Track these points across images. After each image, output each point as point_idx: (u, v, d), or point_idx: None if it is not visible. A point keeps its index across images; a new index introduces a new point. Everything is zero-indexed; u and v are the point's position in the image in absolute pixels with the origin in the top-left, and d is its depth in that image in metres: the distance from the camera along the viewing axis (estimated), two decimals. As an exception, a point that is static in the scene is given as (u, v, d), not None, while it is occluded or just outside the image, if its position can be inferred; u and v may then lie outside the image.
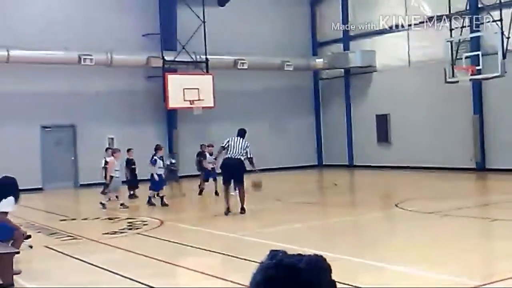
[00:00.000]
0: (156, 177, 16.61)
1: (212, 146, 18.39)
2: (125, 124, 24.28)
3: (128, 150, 18.86)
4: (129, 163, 18.59)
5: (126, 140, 23.27)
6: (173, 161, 20.79)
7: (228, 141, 14.46)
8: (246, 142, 14.41)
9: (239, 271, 7.80)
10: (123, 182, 17.71)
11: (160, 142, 22.76)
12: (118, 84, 24.45)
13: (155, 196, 16.69)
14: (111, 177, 16.64)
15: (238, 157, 14.17)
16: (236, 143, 14.31)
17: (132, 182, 18.57)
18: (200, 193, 18.73)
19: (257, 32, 27.14)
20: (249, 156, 14.24)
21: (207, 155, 18.70)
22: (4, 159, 21.79)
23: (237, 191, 14.53)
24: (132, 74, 24.50)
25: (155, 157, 16.89)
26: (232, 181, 14.59)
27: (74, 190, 23.47)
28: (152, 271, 8.89)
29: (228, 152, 14.32)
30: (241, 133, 14.72)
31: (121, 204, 16.48)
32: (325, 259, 1.52)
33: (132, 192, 18.54)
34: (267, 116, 27.71)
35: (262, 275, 1.44)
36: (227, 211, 14.32)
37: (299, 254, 1.50)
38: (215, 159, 16.86)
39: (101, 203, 16.63)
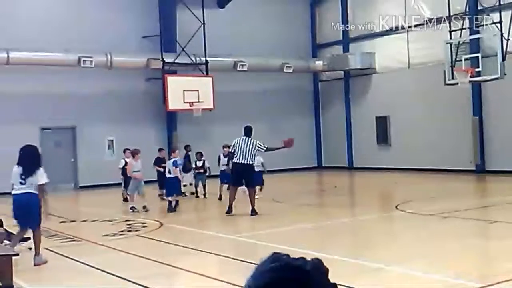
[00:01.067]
0: (180, 177, 16.24)
1: (228, 147, 16.56)
2: (125, 126, 24.29)
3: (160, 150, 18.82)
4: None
5: (126, 142, 23.28)
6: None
7: (234, 144, 14.47)
8: (254, 141, 14.34)
9: (238, 273, 7.79)
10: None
11: (160, 144, 22.82)
12: (118, 86, 24.46)
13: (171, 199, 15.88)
14: (129, 178, 16.44)
15: (247, 161, 14.17)
16: (244, 145, 14.25)
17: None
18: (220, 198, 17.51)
19: (256, 34, 27.17)
20: (263, 150, 14.47)
21: (222, 156, 17.92)
22: (4, 161, 21.79)
23: (247, 192, 14.62)
24: (132, 76, 24.51)
25: (175, 159, 16.19)
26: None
27: (73, 191, 23.46)
28: (151, 273, 8.88)
29: (236, 155, 14.28)
30: (248, 132, 14.60)
31: (143, 207, 15.99)
32: (323, 263, 1.51)
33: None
34: (266, 118, 27.70)
35: (269, 277, 1.42)
36: (230, 210, 14.37)
37: (302, 258, 1.49)
38: (227, 164, 16.31)
39: (132, 207, 16.09)
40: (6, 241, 10.00)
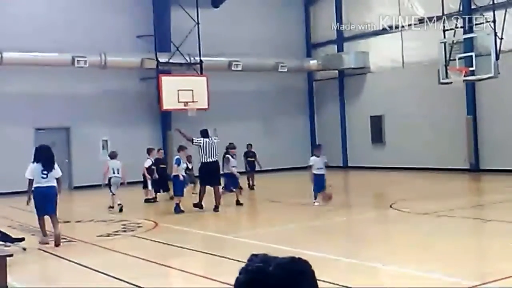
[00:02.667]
0: (181, 178, 15.71)
1: (235, 148, 16.93)
2: (119, 126, 24.24)
3: (158, 150, 18.92)
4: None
5: (120, 142, 23.26)
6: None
7: (203, 145, 15.40)
8: (215, 140, 15.49)
9: (234, 273, 7.78)
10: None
11: (155, 144, 22.79)
12: (112, 86, 24.42)
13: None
14: (109, 178, 16.47)
15: (216, 159, 15.31)
16: (211, 144, 15.33)
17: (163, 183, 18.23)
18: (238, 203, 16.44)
19: (251, 33, 27.17)
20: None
21: (230, 158, 16.58)
22: (-2, 162, 21.75)
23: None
24: (126, 76, 24.46)
25: (177, 157, 16.02)
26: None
27: (68, 192, 23.36)
28: (147, 273, 8.87)
29: (205, 156, 15.26)
30: (206, 134, 15.69)
31: (115, 207, 16.25)
32: (305, 262, 1.51)
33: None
34: (261, 117, 27.73)
35: (236, 280, 1.45)
36: (200, 206, 15.32)
37: (275, 257, 1.50)
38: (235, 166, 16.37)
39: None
40: (0, 242, 9.98)
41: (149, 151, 18.60)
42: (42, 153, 11.34)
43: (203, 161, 15.35)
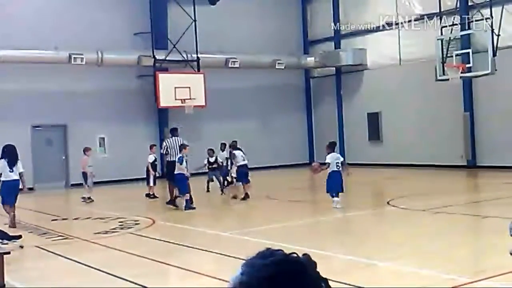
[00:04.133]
0: (188, 175, 15.45)
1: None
2: (116, 123, 24.22)
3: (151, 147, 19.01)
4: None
5: (118, 140, 23.26)
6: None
7: (167, 145, 16.11)
8: (180, 140, 16.03)
9: (231, 270, 7.78)
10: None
11: (152, 141, 22.78)
12: (109, 83, 24.38)
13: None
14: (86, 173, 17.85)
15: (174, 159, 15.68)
16: (175, 144, 15.91)
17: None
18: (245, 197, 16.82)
19: (248, 30, 27.15)
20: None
21: (236, 154, 17.07)
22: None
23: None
24: (123, 73, 24.43)
25: (180, 155, 15.75)
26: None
27: (65, 190, 23.38)
28: (144, 270, 8.87)
29: (169, 155, 16.00)
30: (175, 132, 16.42)
31: (86, 198, 17.73)
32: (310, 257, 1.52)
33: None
34: (258, 114, 27.73)
35: (272, 270, 1.40)
36: (172, 202, 15.77)
37: (294, 252, 1.49)
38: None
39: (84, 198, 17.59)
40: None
41: (151, 147, 18.79)
42: (7, 151, 13.04)
43: (169, 160, 16.04)
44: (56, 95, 23.28)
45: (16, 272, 8.80)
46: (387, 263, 8.57)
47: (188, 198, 15.36)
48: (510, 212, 11.19)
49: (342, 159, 14.72)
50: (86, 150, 18.27)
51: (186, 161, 15.43)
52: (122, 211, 15.76)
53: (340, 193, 14.20)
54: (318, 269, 1.48)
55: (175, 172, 15.36)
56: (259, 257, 1.45)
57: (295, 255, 1.46)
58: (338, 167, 14.24)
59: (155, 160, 18.18)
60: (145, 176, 18.67)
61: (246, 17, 27.37)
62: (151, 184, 18.13)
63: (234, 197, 16.90)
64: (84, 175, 18.09)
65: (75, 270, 9.14)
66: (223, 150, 19.44)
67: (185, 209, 15.13)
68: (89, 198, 17.82)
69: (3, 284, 8.00)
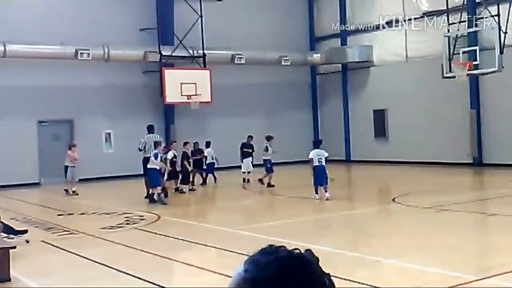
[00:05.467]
0: (161, 169, 16.37)
1: (273, 138, 20.12)
2: (122, 118, 24.25)
3: (185, 144, 19.44)
4: (185, 157, 18.89)
5: (123, 135, 23.30)
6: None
7: (145, 142, 16.90)
8: (157, 136, 17.03)
9: (235, 266, 7.79)
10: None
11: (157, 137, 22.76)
12: (115, 79, 24.41)
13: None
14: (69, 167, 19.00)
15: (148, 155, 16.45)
16: (151, 142, 16.62)
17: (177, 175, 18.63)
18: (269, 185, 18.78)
19: (254, 26, 27.12)
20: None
21: (269, 147, 19.55)
22: (1, 154, 21.80)
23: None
24: (129, 69, 24.45)
25: (156, 151, 16.52)
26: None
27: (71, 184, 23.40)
28: (149, 266, 8.89)
29: (147, 151, 16.70)
30: (152, 129, 17.41)
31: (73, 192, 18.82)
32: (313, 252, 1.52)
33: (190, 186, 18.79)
34: (264, 111, 27.70)
35: (278, 267, 1.40)
36: (149, 197, 16.35)
37: (296, 248, 1.49)
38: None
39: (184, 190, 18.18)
40: (3, 234, 10.01)
41: (171, 143, 19.12)
42: None
43: (146, 156, 16.71)
44: (63, 91, 23.33)
45: (22, 266, 8.84)
46: (392, 260, 8.56)
47: (160, 191, 16.02)
48: (516, 210, 11.16)
49: (326, 154, 15.73)
50: (72, 145, 19.74)
51: (160, 157, 16.29)
52: (127, 206, 15.80)
53: (324, 185, 15.14)
54: (321, 265, 1.48)
55: (148, 167, 16.09)
56: (262, 254, 1.45)
57: (297, 251, 1.46)
58: (320, 162, 15.26)
59: (174, 156, 18.28)
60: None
61: (252, 13, 27.33)
62: (165, 179, 18.26)
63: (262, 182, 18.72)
64: (67, 168, 19.19)
65: (81, 264, 9.18)
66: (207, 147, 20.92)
67: (152, 202, 15.76)
68: (74, 191, 19.03)
69: (9, 278, 8.04)
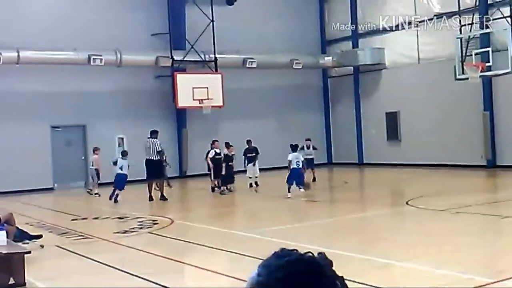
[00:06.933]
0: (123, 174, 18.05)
1: (309, 140, 21.67)
2: (134, 123, 24.34)
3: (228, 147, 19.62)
4: (228, 159, 19.18)
5: (136, 140, 23.36)
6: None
7: (145, 146, 18.24)
8: (156, 141, 17.99)
9: (249, 269, 7.80)
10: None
11: (170, 141, 22.91)
12: (128, 84, 24.53)
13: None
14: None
15: (156, 158, 17.84)
16: (152, 146, 17.89)
17: (228, 177, 19.02)
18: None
19: (265, 30, 27.14)
20: (158, 150, 17.93)
21: (305, 148, 20.55)
22: (15, 160, 21.98)
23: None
24: (141, 74, 24.56)
25: (117, 158, 18.60)
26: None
27: (84, 189, 23.55)
28: (163, 270, 8.93)
29: (148, 154, 17.97)
30: (153, 134, 18.36)
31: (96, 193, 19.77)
32: (326, 256, 1.54)
33: (228, 187, 18.99)
34: (276, 114, 27.70)
35: (287, 271, 1.43)
36: (151, 199, 17.62)
37: (309, 252, 1.51)
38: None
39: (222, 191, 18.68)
40: (18, 239, 10.08)
41: (213, 142, 19.46)
42: None
43: (148, 158, 18.00)
44: (76, 96, 23.48)
45: (37, 271, 8.90)
46: (404, 263, 8.54)
47: (117, 194, 17.65)
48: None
49: (302, 159, 17.37)
50: (95, 149, 20.44)
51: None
52: (141, 211, 15.87)
53: (299, 186, 16.65)
54: (334, 268, 1.50)
55: (117, 172, 17.95)
56: (275, 258, 1.47)
57: (310, 254, 1.48)
58: (297, 164, 16.84)
59: (216, 154, 18.66)
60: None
61: (264, 17, 27.37)
62: (212, 178, 19.05)
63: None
64: (97, 172, 20.11)
65: (95, 269, 9.23)
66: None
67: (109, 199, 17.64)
68: (97, 193, 19.97)
69: (24, 283, 8.10)
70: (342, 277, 1.51)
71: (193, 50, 23.77)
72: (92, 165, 20.30)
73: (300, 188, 16.58)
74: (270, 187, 19.80)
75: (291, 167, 16.72)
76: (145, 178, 18.45)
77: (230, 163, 19.01)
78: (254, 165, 19.81)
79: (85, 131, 24.12)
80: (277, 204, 16.61)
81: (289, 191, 16.57)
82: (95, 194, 20.04)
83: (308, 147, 20.98)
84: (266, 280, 1.43)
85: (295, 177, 16.67)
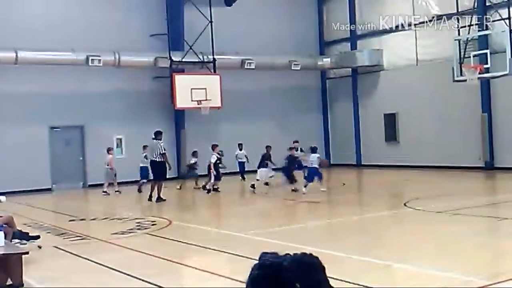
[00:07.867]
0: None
1: (297, 142, 21.73)
2: (133, 124, 24.35)
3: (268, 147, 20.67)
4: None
5: (134, 141, 23.37)
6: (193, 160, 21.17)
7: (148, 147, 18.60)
8: (159, 143, 17.77)
9: (246, 271, 7.79)
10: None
11: (168, 142, 22.86)
12: (126, 85, 24.53)
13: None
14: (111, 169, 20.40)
15: (158, 159, 17.68)
16: (155, 147, 17.84)
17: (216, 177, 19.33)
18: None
19: (264, 31, 27.16)
20: (161, 152, 17.69)
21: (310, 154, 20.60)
22: (13, 160, 21.95)
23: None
24: (139, 75, 24.56)
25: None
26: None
27: (83, 190, 23.56)
28: (161, 271, 8.92)
29: (151, 155, 18.07)
30: (157, 135, 18.07)
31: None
32: (315, 257, 1.62)
33: (215, 187, 19.34)
34: (274, 116, 27.71)
35: (248, 276, 1.61)
36: (150, 199, 17.71)
37: (287, 254, 1.62)
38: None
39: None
40: (16, 240, 10.07)
41: (213, 147, 19.57)
42: None
43: (151, 159, 18.07)
44: (74, 97, 23.47)
45: (35, 272, 8.88)
46: (403, 265, 8.53)
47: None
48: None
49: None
50: (109, 149, 20.83)
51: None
52: (139, 211, 15.85)
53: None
54: (325, 271, 1.61)
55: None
56: (267, 257, 1.63)
57: (282, 256, 1.63)
58: (313, 164, 17.86)
59: (217, 159, 18.90)
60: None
61: (262, 18, 27.38)
62: (212, 180, 19.18)
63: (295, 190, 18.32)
64: (113, 171, 20.48)
65: (93, 270, 9.21)
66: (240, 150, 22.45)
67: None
68: (117, 191, 20.45)
69: (22, 284, 8.09)
70: (325, 279, 1.64)
71: (191, 51, 23.77)
72: (108, 165, 20.53)
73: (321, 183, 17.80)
74: (270, 188, 19.80)
75: (310, 166, 17.77)
76: (151, 179, 18.59)
77: (219, 163, 19.24)
78: (266, 169, 19.91)
79: (83, 131, 24.11)
80: (275, 205, 16.60)
81: (305, 187, 17.44)
82: (116, 191, 20.41)
83: (296, 149, 20.95)
84: (261, 276, 1.62)
85: (316, 174, 17.72)
